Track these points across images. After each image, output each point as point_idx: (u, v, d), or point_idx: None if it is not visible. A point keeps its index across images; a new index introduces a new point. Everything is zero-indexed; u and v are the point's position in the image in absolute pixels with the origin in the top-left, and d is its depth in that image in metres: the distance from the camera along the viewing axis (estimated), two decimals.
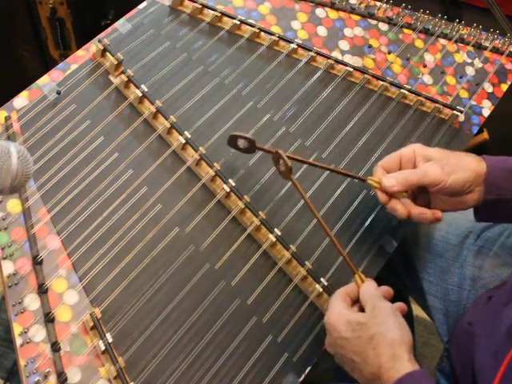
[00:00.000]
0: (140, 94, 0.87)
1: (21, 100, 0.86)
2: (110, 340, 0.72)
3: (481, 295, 0.88)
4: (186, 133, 0.87)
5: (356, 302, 0.75)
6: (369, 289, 0.74)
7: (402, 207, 0.80)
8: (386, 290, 0.75)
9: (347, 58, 1.04)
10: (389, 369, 0.66)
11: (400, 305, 0.74)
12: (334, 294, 0.75)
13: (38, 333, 0.72)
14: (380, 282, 0.92)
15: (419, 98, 1.01)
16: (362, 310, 0.73)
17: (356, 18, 1.09)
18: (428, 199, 0.83)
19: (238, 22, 0.99)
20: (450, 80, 1.07)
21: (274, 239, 0.82)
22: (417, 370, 0.66)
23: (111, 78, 0.91)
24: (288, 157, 0.80)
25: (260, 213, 0.84)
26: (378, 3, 1.10)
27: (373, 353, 0.67)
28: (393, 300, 0.73)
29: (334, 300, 0.74)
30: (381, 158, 0.83)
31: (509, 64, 1.12)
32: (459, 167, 0.79)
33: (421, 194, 0.83)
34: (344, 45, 1.05)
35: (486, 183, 0.79)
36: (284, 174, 0.81)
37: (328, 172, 0.90)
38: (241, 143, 0.83)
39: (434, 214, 0.80)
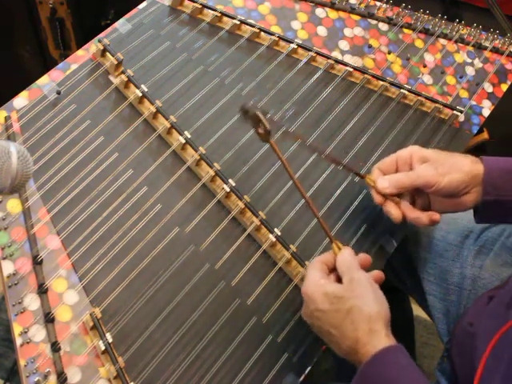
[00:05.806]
0: (140, 94, 0.87)
1: (21, 100, 0.86)
2: (110, 340, 0.72)
3: (482, 295, 0.88)
4: (186, 133, 0.87)
5: (333, 270, 0.74)
6: (346, 258, 0.73)
7: (396, 210, 0.80)
8: (364, 258, 0.75)
9: (347, 58, 1.04)
10: (366, 343, 0.67)
11: (376, 273, 0.73)
12: (311, 262, 0.74)
13: (38, 333, 0.72)
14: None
15: (419, 98, 1.01)
16: (339, 278, 0.72)
17: (356, 17, 1.09)
18: (428, 201, 0.83)
19: (238, 22, 0.99)
20: (450, 80, 1.07)
21: (274, 239, 0.82)
22: (393, 345, 0.67)
23: (111, 78, 0.91)
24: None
25: (260, 213, 0.83)
26: (378, 3, 1.10)
27: (351, 327, 0.67)
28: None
29: (311, 269, 0.73)
30: (381, 158, 0.83)
31: (509, 64, 1.12)
32: (454, 168, 0.78)
33: (420, 196, 0.82)
34: (344, 45, 1.05)
35: (483, 184, 0.79)
36: (262, 137, 0.75)
37: (327, 173, 0.90)
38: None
39: (431, 217, 0.80)
